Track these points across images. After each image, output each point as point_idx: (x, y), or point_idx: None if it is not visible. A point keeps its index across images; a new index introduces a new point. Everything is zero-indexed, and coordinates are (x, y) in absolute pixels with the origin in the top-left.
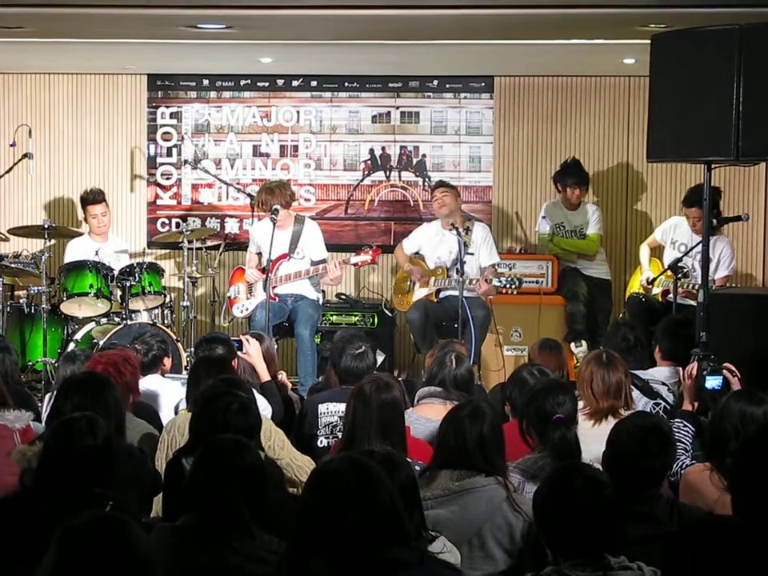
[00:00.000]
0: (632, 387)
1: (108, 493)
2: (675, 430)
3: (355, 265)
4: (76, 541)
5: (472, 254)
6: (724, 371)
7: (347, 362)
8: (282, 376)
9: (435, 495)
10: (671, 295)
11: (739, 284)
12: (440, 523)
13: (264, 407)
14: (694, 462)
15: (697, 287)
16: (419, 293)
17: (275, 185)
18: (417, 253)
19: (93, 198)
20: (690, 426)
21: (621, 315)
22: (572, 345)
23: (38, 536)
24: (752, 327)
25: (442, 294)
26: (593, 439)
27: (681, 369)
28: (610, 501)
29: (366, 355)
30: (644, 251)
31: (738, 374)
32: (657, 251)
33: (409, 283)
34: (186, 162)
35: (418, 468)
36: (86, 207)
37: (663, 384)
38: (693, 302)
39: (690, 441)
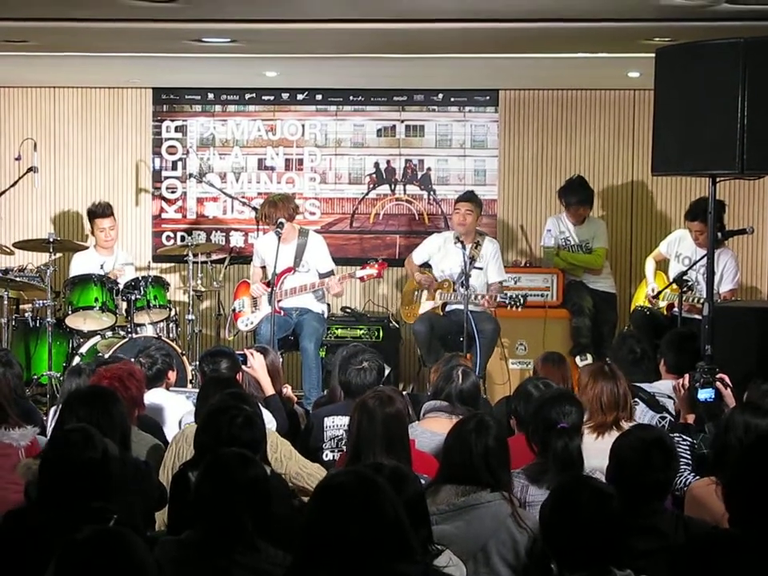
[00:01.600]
0: (637, 400)
1: (111, 506)
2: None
3: (361, 279)
4: (74, 556)
5: (480, 268)
6: (717, 383)
7: (348, 377)
8: (287, 390)
9: (441, 510)
10: (676, 309)
11: (744, 297)
12: (445, 539)
13: (268, 421)
14: (697, 477)
15: (701, 301)
16: (425, 305)
17: (279, 198)
18: (425, 264)
19: (101, 211)
20: (688, 439)
21: (626, 328)
22: (577, 358)
23: (40, 550)
24: (757, 340)
25: (448, 308)
26: (595, 452)
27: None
28: (615, 514)
29: (366, 371)
30: (649, 264)
31: (731, 385)
32: (662, 264)
33: (416, 293)
34: (190, 175)
35: (423, 481)
36: (93, 220)
37: (669, 397)
38: (697, 316)
39: (690, 454)
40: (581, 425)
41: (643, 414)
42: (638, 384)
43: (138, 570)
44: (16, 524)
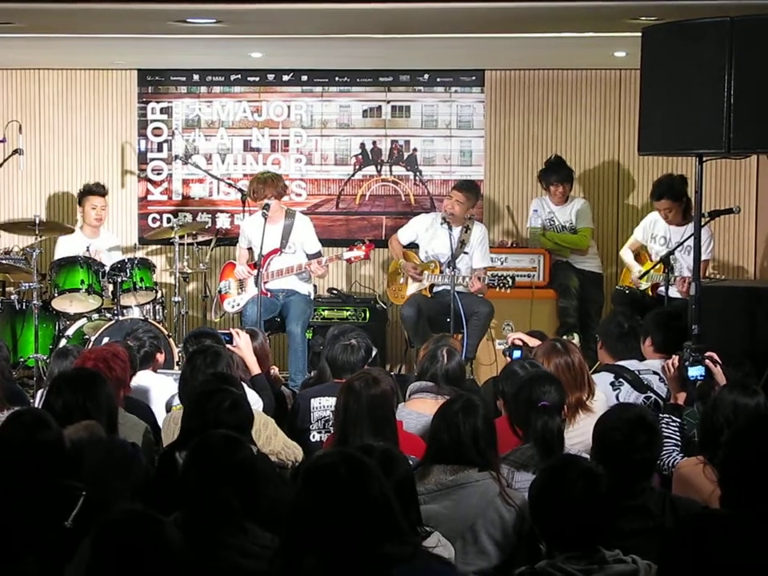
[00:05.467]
0: (621, 381)
1: (78, 484)
2: (664, 425)
3: (348, 260)
4: (110, 537)
5: (467, 253)
6: (706, 360)
7: (335, 353)
8: (274, 371)
9: (428, 490)
10: (662, 288)
11: (731, 276)
12: (433, 518)
13: (255, 401)
14: (685, 457)
15: (684, 279)
16: (413, 287)
17: (268, 176)
18: (412, 244)
19: (96, 189)
20: (678, 420)
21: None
22: (564, 338)
23: (14, 533)
24: (744, 319)
25: (435, 289)
26: (571, 434)
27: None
28: (604, 494)
29: (354, 348)
30: (627, 255)
31: (720, 362)
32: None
33: (402, 273)
34: (176, 157)
35: (411, 462)
36: (86, 198)
37: (655, 373)
38: (678, 295)
39: (679, 435)
40: (562, 405)
41: (628, 395)
42: (622, 363)
43: (174, 552)
44: None
